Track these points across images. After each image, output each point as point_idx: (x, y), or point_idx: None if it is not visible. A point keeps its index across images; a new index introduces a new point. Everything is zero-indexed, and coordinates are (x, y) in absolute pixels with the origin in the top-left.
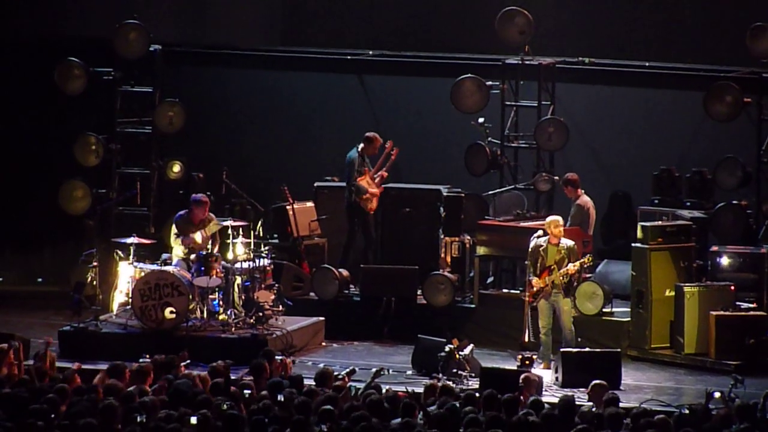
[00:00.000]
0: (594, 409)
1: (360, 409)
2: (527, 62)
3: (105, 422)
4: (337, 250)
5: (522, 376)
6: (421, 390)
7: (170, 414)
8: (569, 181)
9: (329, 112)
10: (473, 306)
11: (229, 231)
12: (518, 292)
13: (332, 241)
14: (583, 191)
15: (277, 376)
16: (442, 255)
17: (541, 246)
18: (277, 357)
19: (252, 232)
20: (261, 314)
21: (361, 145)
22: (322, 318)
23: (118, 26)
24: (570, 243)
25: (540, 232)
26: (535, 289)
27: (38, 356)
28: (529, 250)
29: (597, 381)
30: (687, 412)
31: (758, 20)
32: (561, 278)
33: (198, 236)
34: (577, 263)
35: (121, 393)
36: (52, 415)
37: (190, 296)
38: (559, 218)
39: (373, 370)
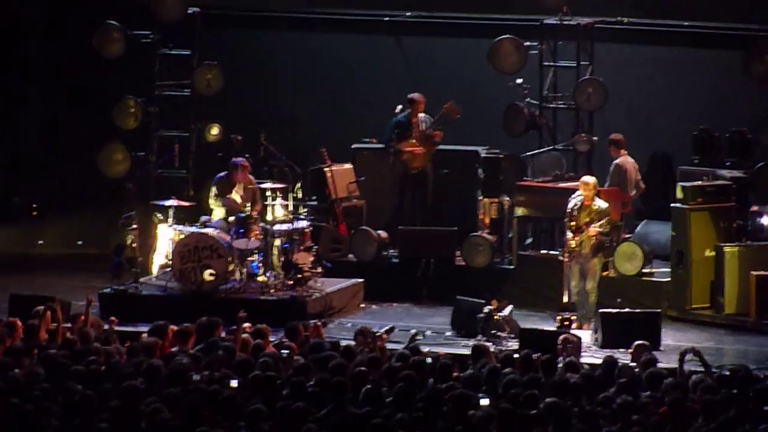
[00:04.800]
0: (636, 370)
1: (401, 370)
2: (566, 22)
3: (148, 385)
4: (375, 212)
5: (561, 337)
6: (460, 351)
7: (212, 376)
8: (612, 141)
9: (367, 73)
10: (512, 267)
11: (268, 193)
12: (557, 253)
13: (370, 202)
14: (626, 152)
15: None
16: (481, 216)
17: (576, 205)
18: (310, 322)
19: (290, 194)
20: (300, 276)
21: (408, 111)
22: (361, 280)
23: None
24: (604, 205)
25: (579, 192)
26: (568, 249)
27: (75, 317)
28: (568, 209)
29: (640, 341)
30: (728, 373)
31: None
32: (588, 240)
33: (237, 197)
34: (598, 225)
35: (161, 352)
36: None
37: (229, 258)
38: (589, 178)
39: (412, 332)
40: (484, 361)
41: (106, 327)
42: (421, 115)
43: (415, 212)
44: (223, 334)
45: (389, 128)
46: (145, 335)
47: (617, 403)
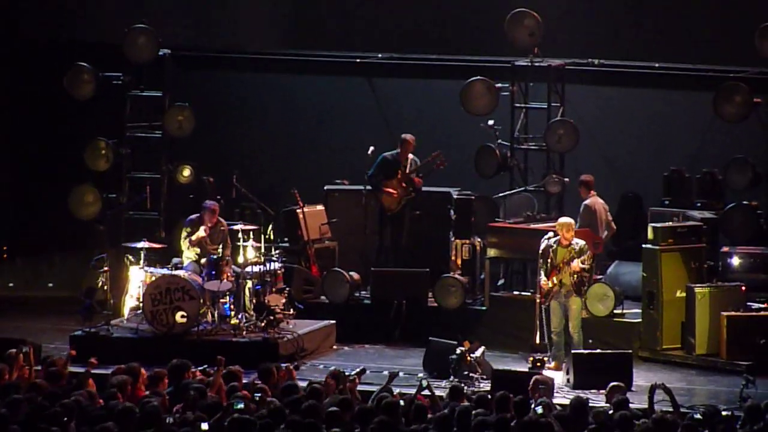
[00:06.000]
0: (611, 412)
1: (375, 412)
2: (537, 64)
3: (122, 426)
4: (348, 253)
5: (533, 378)
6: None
7: (184, 418)
8: (581, 182)
9: (339, 115)
10: (484, 308)
11: (240, 235)
12: (529, 293)
13: (343, 244)
14: (595, 193)
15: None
16: (453, 257)
17: (552, 247)
18: (282, 365)
19: (262, 236)
20: (272, 318)
21: (398, 150)
22: (333, 321)
23: (127, 31)
24: (581, 243)
25: (551, 234)
26: (544, 289)
27: (49, 360)
28: (540, 251)
29: (615, 383)
30: (698, 416)
31: (767, 20)
32: (570, 277)
33: (201, 230)
34: (579, 260)
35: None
36: (66, 419)
37: (201, 300)
38: (569, 220)
39: (385, 373)
40: (455, 402)
41: (82, 369)
42: (410, 155)
43: (395, 252)
44: (198, 374)
45: (375, 164)
46: (115, 376)
47: None
